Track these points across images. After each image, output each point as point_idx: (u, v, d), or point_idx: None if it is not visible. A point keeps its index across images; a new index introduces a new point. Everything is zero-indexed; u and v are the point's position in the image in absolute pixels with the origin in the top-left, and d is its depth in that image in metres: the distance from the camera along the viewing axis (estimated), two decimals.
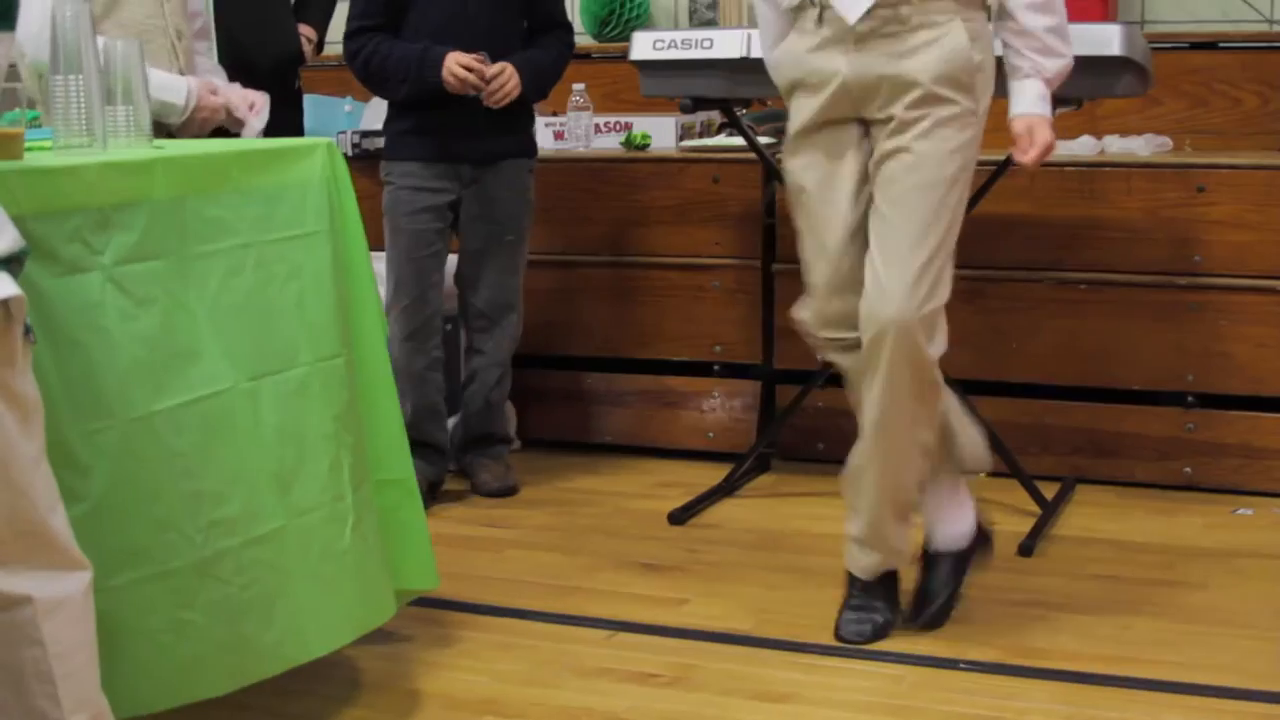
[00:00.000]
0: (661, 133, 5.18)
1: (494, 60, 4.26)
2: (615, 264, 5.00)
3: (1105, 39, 3.85)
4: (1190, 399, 4.47)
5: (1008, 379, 4.61)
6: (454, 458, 4.64)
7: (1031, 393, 4.61)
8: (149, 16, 3.61)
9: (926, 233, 3.21)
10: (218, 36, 4.00)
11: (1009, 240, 4.53)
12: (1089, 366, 4.55)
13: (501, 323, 4.51)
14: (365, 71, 4.36)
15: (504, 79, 4.25)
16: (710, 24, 5.57)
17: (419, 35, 4.28)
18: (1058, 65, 3.32)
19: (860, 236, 3.31)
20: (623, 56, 4.62)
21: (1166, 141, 4.79)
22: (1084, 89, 3.80)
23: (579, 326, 5.07)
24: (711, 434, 4.93)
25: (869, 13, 3.20)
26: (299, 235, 3.01)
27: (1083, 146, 4.66)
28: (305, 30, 4.81)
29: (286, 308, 2.94)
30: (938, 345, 3.29)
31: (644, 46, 4.35)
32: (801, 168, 3.37)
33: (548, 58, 4.45)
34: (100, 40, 2.90)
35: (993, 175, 4.13)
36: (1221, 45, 5.13)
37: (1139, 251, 4.47)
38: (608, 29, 5.80)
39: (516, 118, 4.42)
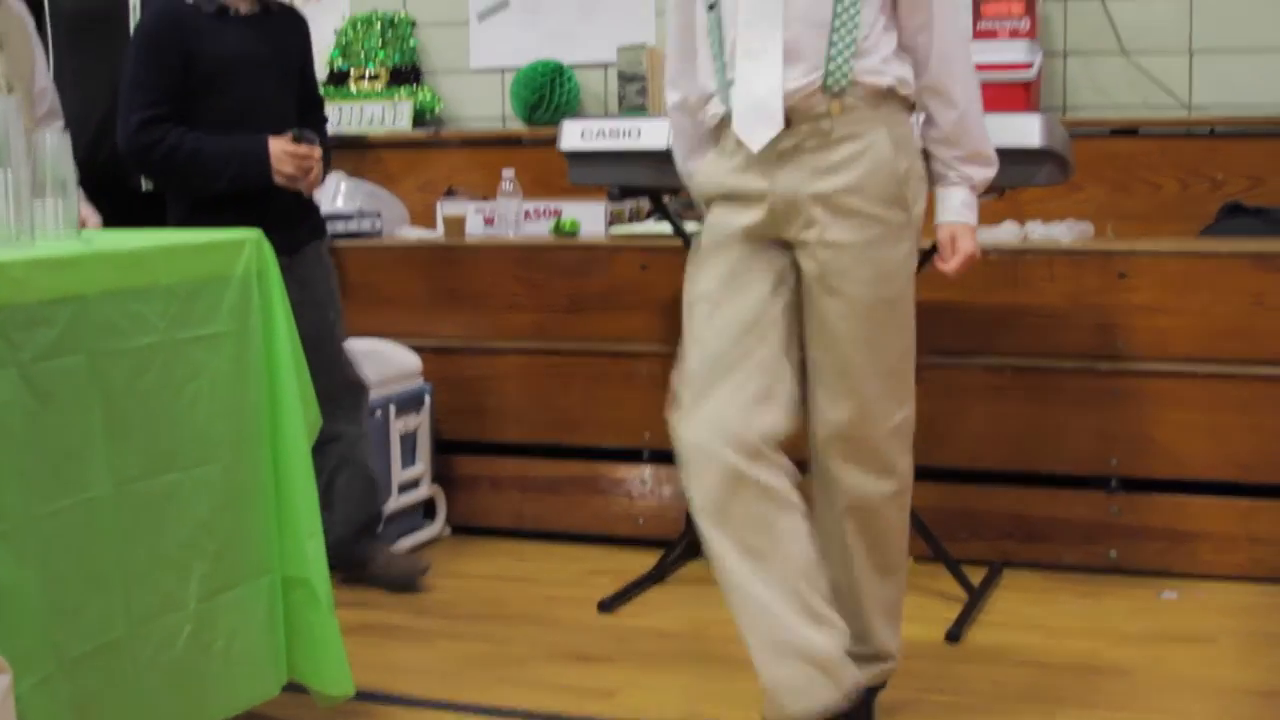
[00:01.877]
0: (590, 217, 5.21)
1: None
2: (545, 350, 5.01)
3: (1026, 130, 3.91)
4: (1115, 483, 4.52)
5: (935, 464, 4.61)
6: (340, 558, 4.30)
7: (958, 478, 4.64)
8: None
9: (886, 349, 3.21)
10: None
11: (935, 326, 4.54)
12: (1015, 451, 4.58)
13: (354, 400, 4.38)
14: (165, 169, 4.10)
15: (318, 173, 4.19)
16: (640, 110, 5.60)
17: (210, 124, 4.08)
18: (985, 174, 3.30)
19: (779, 340, 3.16)
20: (552, 141, 4.64)
21: (1088, 227, 4.86)
22: (1006, 179, 3.82)
23: (508, 412, 5.07)
24: (641, 520, 4.94)
25: (788, 130, 3.10)
26: (208, 335, 3.01)
27: (1006, 233, 4.72)
28: None
29: (179, 410, 2.94)
30: (906, 460, 3.33)
31: (572, 136, 4.38)
32: (709, 278, 3.21)
33: (328, 139, 4.39)
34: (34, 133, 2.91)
35: (918, 262, 4.15)
36: (1141, 132, 5.22)
37: (1062, 337, 4.52)
38: (537, 113, 5.83)
39: (307, 201, 4.31)
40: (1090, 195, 5.13)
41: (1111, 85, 5.41)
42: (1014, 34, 5.14)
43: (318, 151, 4.16)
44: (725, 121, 3.19)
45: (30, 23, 3.96)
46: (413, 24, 6.26)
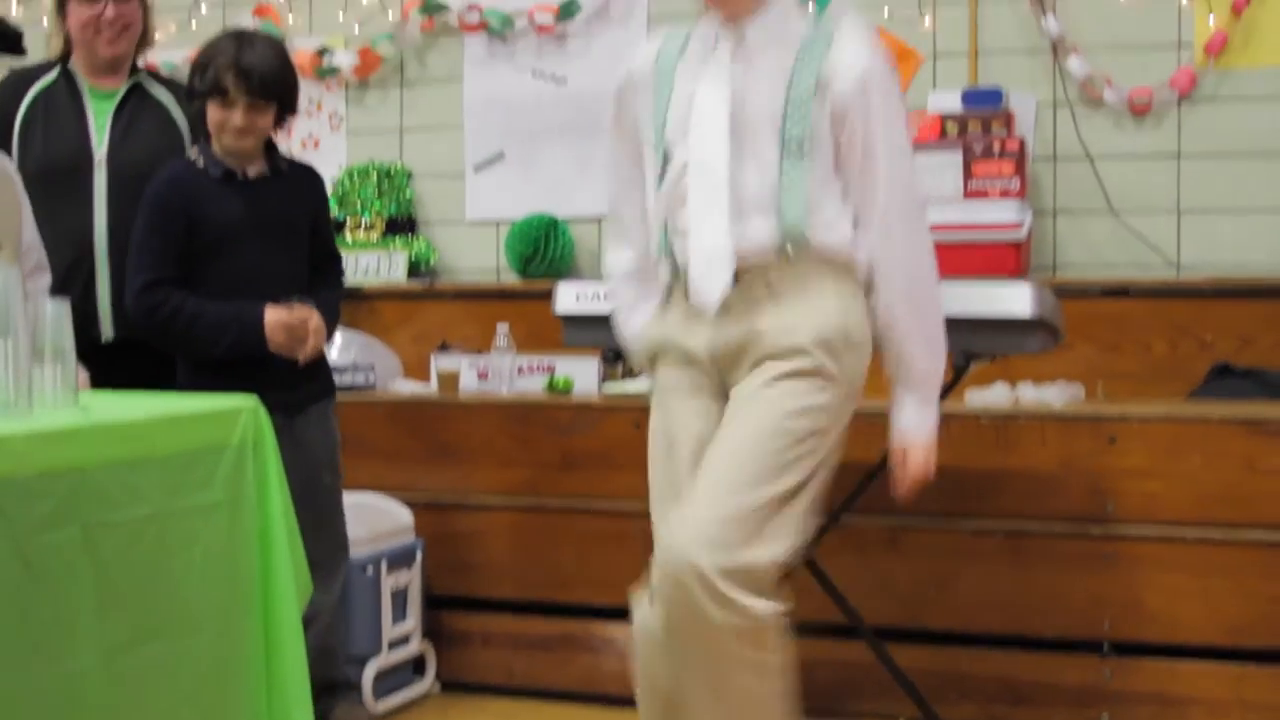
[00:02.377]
0: (584, 373, 5.24)
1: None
2: (537, 507, 5.02)
3: (1016, 299, 3.93)
4: (1106, 647, 4.50)
5: (925, 627, 4.63)
6: None
7: (949, 640, 4.62)
8: None
9: (758, 481, 3.04)
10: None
11: (924, 491, 4.57)
12: (1006, 614, 4.57)
13: (331, 566, 4.33)
14: (166, 333, 4.13)
15: (316, 339, 4.17)
16: None
17: (215, 288, 4.11)
18: (927, 365, 3.26)
19: None
20: (546, 295, 4.67)
21: (1079, 390, 4.89)
22: (997, 347, 3.88)
23: (500, 568, 5.06)
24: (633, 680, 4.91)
25: (736, 285, 3.16)
26: (202, 505, 3.01)
27: (997, 396, 4.74)
28: None
29: (170, 581, 2.92)
30: (756, 604, 3.01)
31: (567, 299, 4.41)
32: (660, 419, 3.29)
33: (335, 297, 4.37)
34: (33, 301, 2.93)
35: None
36: (1131, 292, 5.26)
37: (1053, 501, 4.53)
38: (532, 266, 5.88)
39: (317, 359, 4.29)
40: (1081, 355, 5.16)
41: (1101, 244, 5.47)
42: (1004, 194, 5.20)
43: (315, 320, 4.15)
44: (674, 279, 3.26)
45: (17, 178, 4.00)
46: (409, 175, 6.32)
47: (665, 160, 3.25)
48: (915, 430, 3.27)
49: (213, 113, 4.09)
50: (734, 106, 3.17)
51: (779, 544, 3.04)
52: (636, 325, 3.45)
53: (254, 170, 4.20)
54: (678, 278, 3.25)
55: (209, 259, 4.13)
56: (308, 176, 4.38)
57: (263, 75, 4.06)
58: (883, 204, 3.18)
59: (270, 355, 4.11)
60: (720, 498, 3.03)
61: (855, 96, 3.15)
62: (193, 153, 4.24)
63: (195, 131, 4.63)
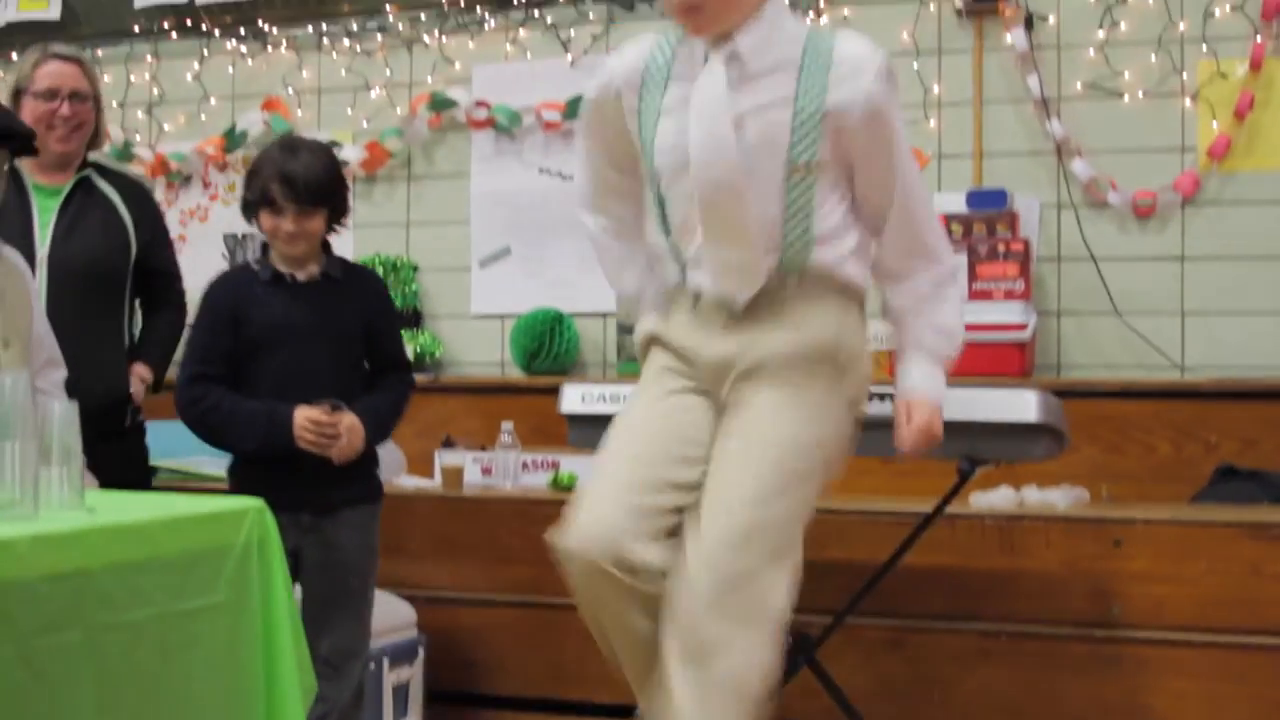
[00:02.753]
0: (588, 469, 5.21)
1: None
2: (540, 604, 5.00)
3: (1022, 406, 3.94)
4: None
5: None
6: None
7: None
8: None
9: (767, 492, 3.05)
10: None
11: (930, 591, 4.57)
12: (1011, 717, 4.55)
13: (345, 670, 4.27)
14: (204, 425, 4.19)
15: (351, 440, 4.14)
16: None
17: (259, 387, 4.14)
18: (947, 349, 3.27)
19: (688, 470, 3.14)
20: (551, 390, 4.67)
21: (1084, 493, 4.89)
22: (1003, 453, 3.88)
23: (503, 665, 5.04)
24: None
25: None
26: (205, 606, 2.98)
27: (1001, 498, 4.74)
28: (141, 371, 4.80)
29: (172, 682, 2.89)
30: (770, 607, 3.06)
31: (573, 400, 4.42)
32: (645, 399, 3.27)
33: (388, 401, 4.32)
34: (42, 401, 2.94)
35: (915, 529, 4.19)
36: (1136, 393, 5.27)
37: (1058, 604, 4.51)
38: (537, 361, 5.90)
39: (358, 463, 4.24)
40: (1085, 456, 5.16)
41: (1105, 345, 5.48)
42: (1009, 295, 5.22)
43: (347, 420, 4.13)
44: (679, 291, 3.22)
45: (27, 273, 4.01)
46: (415, 268, 6.35)
47: (658, 183, 3.19)
48: (922, 389, 3.24)
49: (264, 220, 4.14)
50: (736, 130, 3.08)
51: (785, 565, 3.08)
52: (630, 283, 3.41)
53: (305, 274, 4.22)
54: (684, 286, 3.21)
55: (254, 358, 4.17)
56: (365, 281, 4.39)
57: (308, 182, 4.10)
58: (902, 205, 3.18)
59: (304, 454, 4.11)
60: (734, 508, 3.04)
61: (864, 114, 3.09)
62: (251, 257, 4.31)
63: (140, 226, 4.73)
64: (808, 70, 3.07)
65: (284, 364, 4.15)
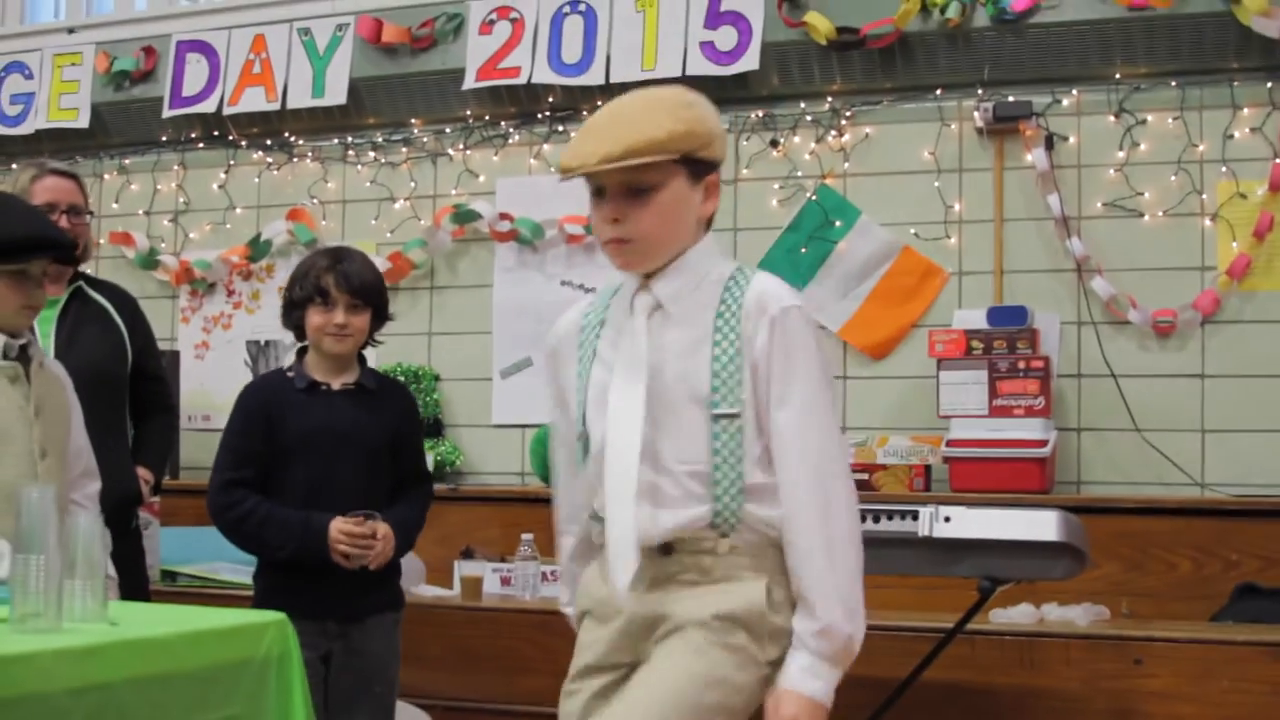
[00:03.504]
0: None
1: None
2: (556, 716, 4.97)
3: (1043, 525, 3.94)
4: None
5: None
6: None
7: None
8: (20, 476, 3.62)
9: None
10: None
11: (951, 708, 4.55)
12: None
13: None
14: (237, 532, 4.23)
15: (384, 550, 4.17)
16: None
17: (289, 494, 4.18)
18: (827, 645, 2.85)
19: None
20: None
21: (1104, 610, 4.87)
22: (1024, 572, 3.88)
23: None
24: None
25: (668, 558, 2.91)
26: (222, 719, 3.00)
27: (1022, 615, 4.73)
28: (142, 473, 4.87)
29: None
30: None
31: None
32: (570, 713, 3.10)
33: (414, 514, 4.36)
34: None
35: (936, 645, 4.18)
36: (1156, 510, 5.26)
37: None
38: None
39: (382, 573, 4.26)
40: (1105, 572, 5.15)
41: (1125, 461, 5.49)
42: (1029, 412, 5.24)
43: (381, 530, 4.16)
44: (599, 536, 3.00)
45: (68, 383, 4.04)
46: (436, 378, 6.38)
47: (586, 439, 3.03)
48: (798, 686, 2.85)
49: (313, 316, 4.20)
50: (653, 382, 2.92)
51: None
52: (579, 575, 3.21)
53: (340, 383, 4.28)
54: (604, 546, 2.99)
55: (285, 465, 4.21)
56: (396, 393, 4.46)
57: (361, 277, 4.21)
58: (795, 461, 2.90)
59: (333, 562, 4.14)
60: None
61: (771, 358, 2.91)
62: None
63: (134, 333, 4.80)
64: (723, 315, 2.95)
65: (315, 472, 4.19)
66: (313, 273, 4.21)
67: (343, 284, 4.17)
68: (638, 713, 2.86)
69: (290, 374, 4.30)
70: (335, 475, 4.20)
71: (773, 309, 2.92)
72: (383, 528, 4.17)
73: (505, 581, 5.40)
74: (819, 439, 2.92)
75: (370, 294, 4.23)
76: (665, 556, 2.93)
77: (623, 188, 2.93)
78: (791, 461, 2.90)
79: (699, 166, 2.97)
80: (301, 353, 4.32)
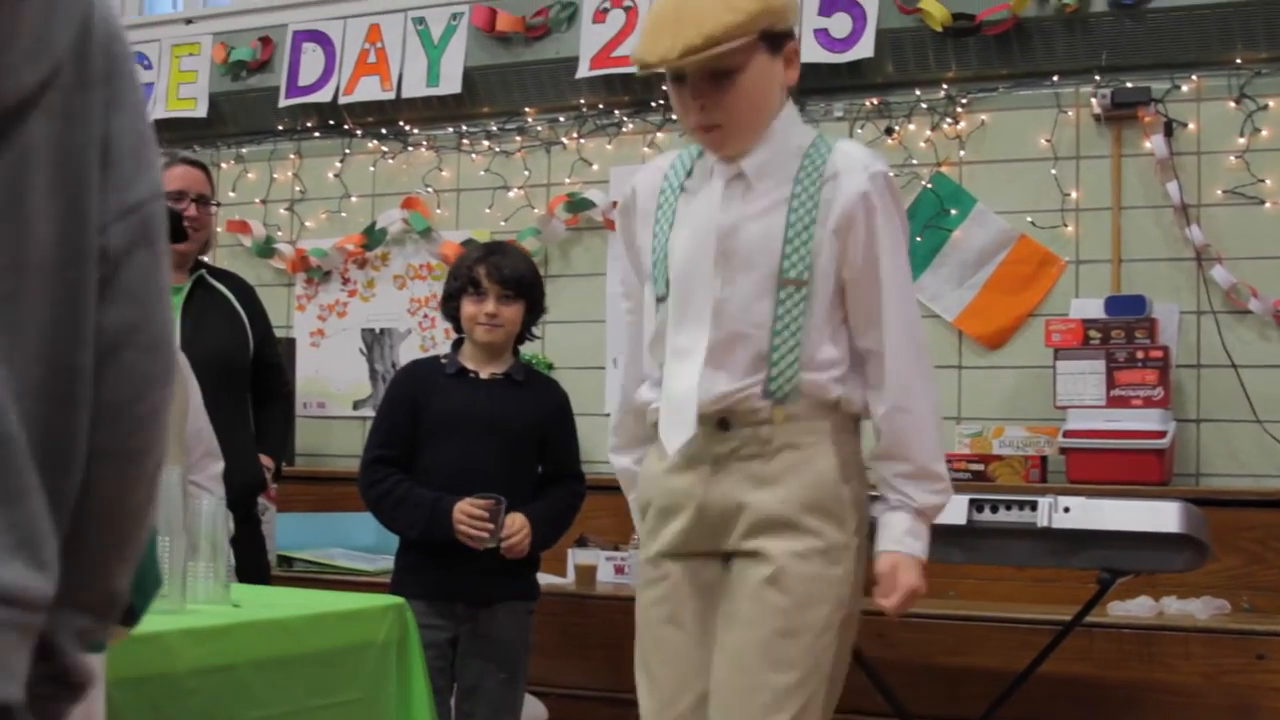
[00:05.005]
0: None
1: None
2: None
3: (1164, 516, 3.90)
4: None
5: None
6: None
7: None
8: None
9: (783, 693, 2.84)
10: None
11: (1067, 701, 4.52)
12: None
13: None
14: (377, 508, 4.38)
15: (519, 540, 4.23)
16: None
17: (432, 475, 4.28)
18: (932, 499, 2.96)
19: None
20: None
21: (1224, 604, 4.81)
22: (1144, 563, 3.84)
23: None
24: None
25: (725, 434, 2.91)
26: (344, 702, 3.04)
27: (1140, 608, 4.68)
28: (264, 460, 4.96)
29: None
30: None
31: None
32: (653, 601, 3.05)
33: (556, 510, 4.42)
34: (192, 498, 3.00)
35: (1054, 638, 4.15)
36: (1277, 502, 5.18)
37: (1198, 716, 4.44)
38: None
39: (519, 562, 4.33)
40: (1225, 566, 5.07)
41: (1245, 453, 5.40)
42: (1147, 402, 5.17)
43: (518, 521, 4.22)
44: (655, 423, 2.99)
45: (186, 366, 4.09)
46: (550, 366, 6.39)
47: (663, 296, 3.01)
48: (905, 548, 2.94)
49: (466, 306, 4.32)
50: (724, 243, 2.93)
51: None
52: (625, 461, 3.23)
53: (488, 372, 4.38)
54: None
55: (429, 446, 4.33)
56: (546, 389, 4.54)
57: (513, 268, 4.33)
58: (890, 353, 2.94)
59: (465, 545, 4.20)
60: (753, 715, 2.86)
61: (855, 224, 2.92)
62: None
63: (254, 322, 4.89)
64: (801, 181, 2.95)
65: (455, 455, 4.29)
66: (466, 264, 4.35)
67: (494, 274, 4.27)
68: (742, 685, 2.87)
69: (444, 360, 4.43)
70: (476, 460, 4.28)
71: (862, 174, 2.93)
72: (518, 518, 4.23)
73: (619, 570, 5.41)
74: (912, 308, 3.01)
75: (522, 285, 4.33)
76: (724, 432, 2.92)
77: (705, 72, 2.90)
78: (894, 331, 2.94)
79: (776, 38, 2.95)
80: (458, 344, 4.45)
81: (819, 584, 2.88)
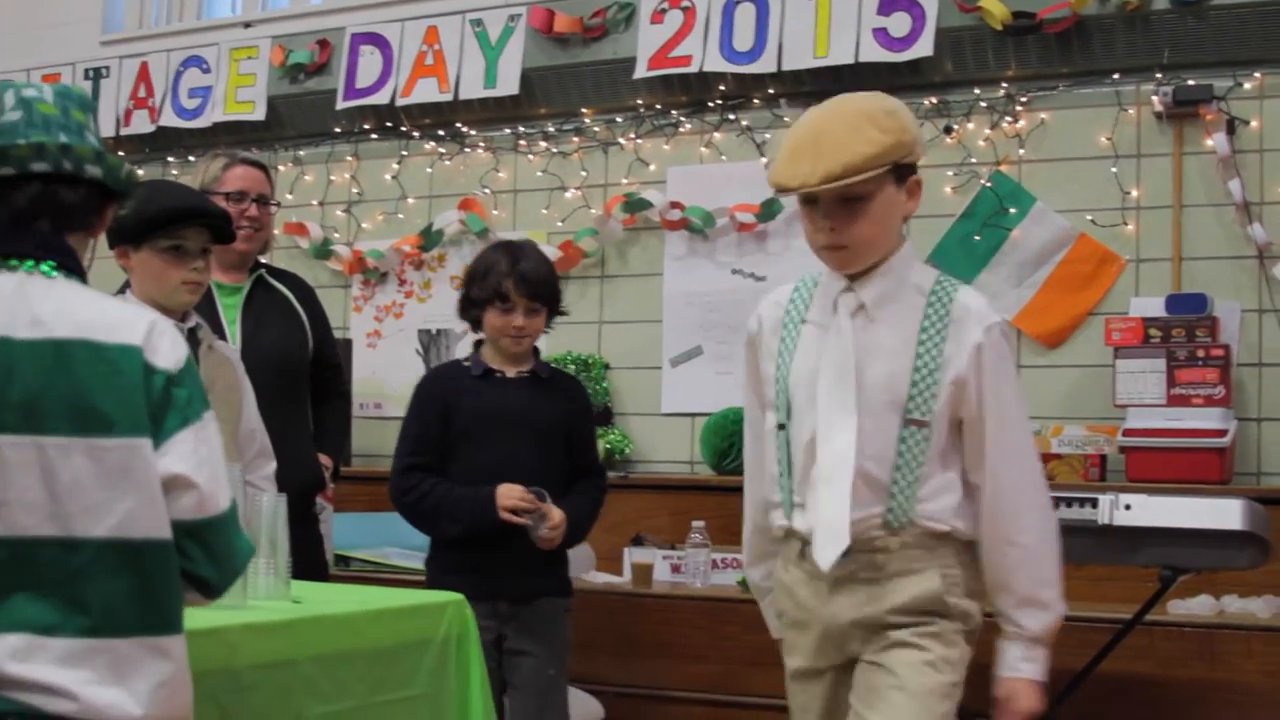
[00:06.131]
0: None
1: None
2: (728, 703, 4.99)
3: (1227, 513, 3.87)
4: None
5: None
6: None
7: None
8: None
9: None
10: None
11: (1128, 700, 4.49)
12: None
13: None
14: (414, 512, 4.39)
15: (557, 535, 4.26)
16: None
17: (470, 476, 4.29)
18: (1041, 622, 3.13)
19: None
20: (741, 489, 4.65)
21: None
22: (1206, 561, 3.82)
23: None
24: None
25: (845, 557, 3.07)
26: (405, 698, 3.06)
27: (1201, 606, 4.65)
28: (323, 459, 4.98)
29: None
30: None
31: None
32: (800, 710, 3.26)
33: (584, 506, 4.44)
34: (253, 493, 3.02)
35: (1114, 636, 4.13)
36: None
37: (1259, 715, 4.40)
38: (726, 461, 5.90)
39: (551, 559, 4.37)
40: None
41: None
42: (1208, 401, 5.14)
43: (557, 514, 4.25)
44: (790, 535, 3.19)
45: (239, 365, 4.11)
46: (606, 366, 6.40)
47: (784, 424, 3.19)
48: (1020, 673, 3.14)
49: (492, 317, 4.34)
50: (857, 380, 3.11)
51: None
52: (757, 575, 3.45)
53: (514, 371, 4.41)
54: (794, 534, 3.18)
55: (460, 447, 4.35)
56: (568, 386, 4.58)
57: (539, 279, 4.34)
58: (998, 479, 3.12)
59: (500, 540, 4.22)
60: None
61: (971, 374, 3.10)
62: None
63: (314, 322, 4.89)
64: (927, 329, 3.13)
65: (494, 453, 4.30)
66: (493, 275, 4.33)
67: (522, 288, 4.29)
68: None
69: (467, 363, 4.43)
70: (515, 456, 4.30)
71: (978, 327, 3.11)
72: (557, 512, 4.24)
73: (676, 569, 5.41)
74: (1025, 445, 3.19)
75: (546, 294, 4.36)
76: (843, 557, 3.07)
77: (838, 197, 3.08)
78: (1003, 468, 3.11)
79: (904, 170, 3.14)
80: (478, 344, 4.46)
81: (933, 656, 3.08)
